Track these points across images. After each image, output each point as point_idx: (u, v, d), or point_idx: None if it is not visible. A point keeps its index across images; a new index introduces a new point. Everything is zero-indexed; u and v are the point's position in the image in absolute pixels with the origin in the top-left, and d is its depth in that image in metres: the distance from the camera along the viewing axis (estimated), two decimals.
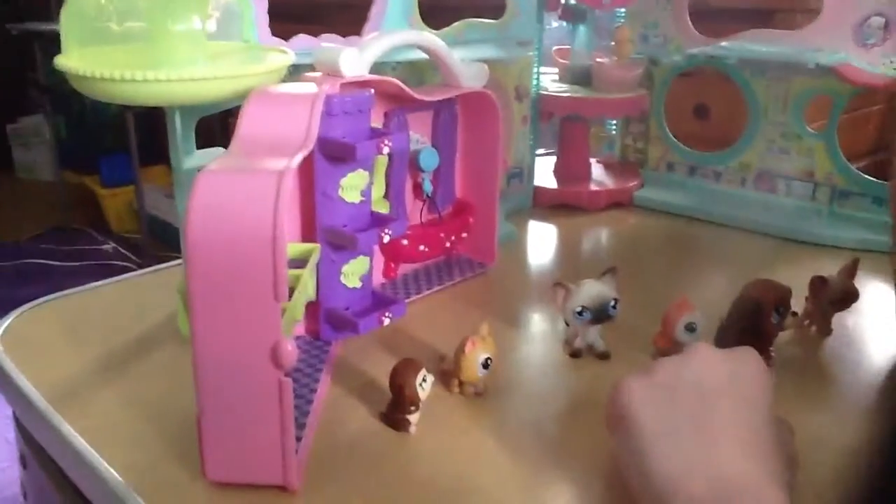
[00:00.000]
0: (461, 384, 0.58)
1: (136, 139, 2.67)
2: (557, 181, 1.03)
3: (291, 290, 0.52)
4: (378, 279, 0.74)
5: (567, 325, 0.64)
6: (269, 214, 0.43)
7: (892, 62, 0.86)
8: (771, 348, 0.62)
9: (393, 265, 0.76)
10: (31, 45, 3.09)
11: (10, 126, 3.26)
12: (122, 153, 2.82)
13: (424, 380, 0.53)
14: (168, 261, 0.82)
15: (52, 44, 2.99)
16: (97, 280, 0.79)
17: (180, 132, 0.63)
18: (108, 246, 2.99)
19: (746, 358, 0.47)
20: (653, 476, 0.42)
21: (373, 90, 0.61)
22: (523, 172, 0.98)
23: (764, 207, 0.96)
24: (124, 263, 2.79)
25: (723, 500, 0.39)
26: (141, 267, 0.82)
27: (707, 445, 0.42)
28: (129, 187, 2.90)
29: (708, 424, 0.43)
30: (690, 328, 0.62)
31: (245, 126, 0.52)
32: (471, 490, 0.49)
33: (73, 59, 0.59)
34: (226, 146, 0.66)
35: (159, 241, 2.74)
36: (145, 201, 2.77)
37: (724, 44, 0.95)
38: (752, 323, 0.61)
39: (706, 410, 0.43)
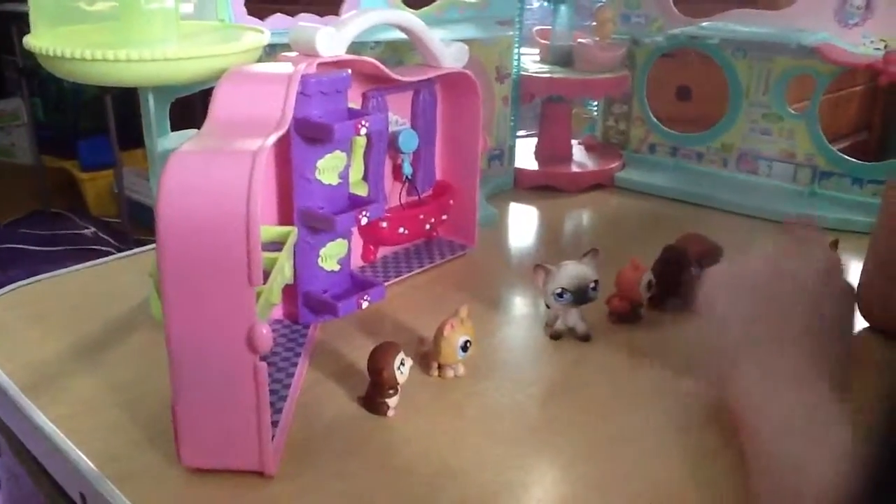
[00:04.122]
0: (440, 367, 0.58)
1: (114, 122, 2.64)
2: (538, 163, 1.02)
3: (268, 274, 0.52)
4: (357, 262, 0.73)
5: (548, 307, 0.64)
6: (242, 195, 0.42)
7: (872, 42, 0.86)
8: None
9: (372, 248, 0.75)
10: (8, 26, 3.04)
11: None
12: (101, 136, 2.79)
13: (403, 363, 0.53)
14: (147, 243, 0.81)
15: (29, 25, 2.95)
16: (77, 263, 0.77)
17: (154, 113, 0.62)
18: (88, 230, 2.96)
19: (827, 260, 0.53)
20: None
21: (350, 70, 0.60)
22: (504, 154, 0.97)
23: (745, 188, 0.96)
24: (104, 248, 2.76)
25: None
26: (121, 251, 0.81)
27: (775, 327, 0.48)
28: (109, 171, 2.86)
29: (773, 302, 0.49)
30: (650, 286, 0.65)
31: (219, 106, 0.51)
32: (451, 473, 0.49)
33: (42, 39, 0.57)
34: (199, 127, 0.65)
35: (140, 225, 2.71)
36: (125, 184, 2.74)
37: (705, 24, 0.95)
38: (674, 272, 0.66)
39: (774, 290, 0.50)
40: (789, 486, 0.41)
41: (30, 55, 0.57)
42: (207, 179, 0.43)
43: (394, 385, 0.53)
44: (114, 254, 0.81)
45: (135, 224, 2.73)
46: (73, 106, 3.06)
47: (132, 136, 2.75)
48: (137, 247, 0.82)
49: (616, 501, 0.47)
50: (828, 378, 0.45)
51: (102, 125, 2.71)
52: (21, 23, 2.96)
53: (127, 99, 2.63)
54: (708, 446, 0.51)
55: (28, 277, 0.74)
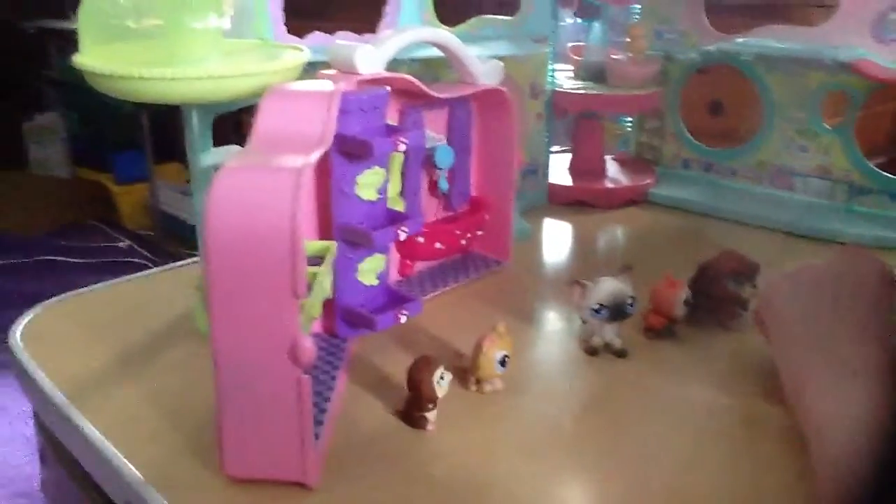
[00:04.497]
0: (478, 381, 0.58)
1: (149, 136, 2.68)
2: (572, 178, 1.02)
3: (309, 288, 0.53)
4: (394, 276, 0.74)
5: (583, 322, 0.64)
6: (287, 211, 0.43)
7: None
8: (737, 312, 0.68)
9: (409, 262, 0.76)
10: (45, 42, 3.11)
11: (26, 124, 3.27)
12: (136, 150, 2.83)
13: (442, 377, 0.54)
14: (182, 257, 0.83)
15: (66, 41, 3.02)
16: (111, 276, 0.79)
17: (197, 130, 0.63)
18: (123, 242, 3.00)
19: (876, 271, 0.54)
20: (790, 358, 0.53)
21: (389, 87, 0.61)
22: (538, 169, 0.98)
23: (780, 204, 0.95)
24: (138, 260, 2.80)
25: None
26: (155, 263, 0.83)
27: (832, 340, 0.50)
28: (143, 184, 2.90)
29: (840, 318, 0.51)
30: (686, 302, 0.65)
31: (262, 123, 0.52)
32: (488, 486, 0.49)
33: (90, 57, 0.59)
34: (237, 143, 0.66)
35: (173, 238, 2.75)
36: (159, 198, 2.78)
37: (739, 40, 0.95)
38: (710, 288, 0.67)
39: (839, 306, 0.51)
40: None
41: (68, 70, 0.59)
42: (254, 195, 0.44)
43: (433, 399, 0.54)
44: (148, 266, 0.82)
45: (168, 237, 2.77)
46: (108, 120, 3.11)
47: (166, 150, 2.80)
48: (171, 259, 0.84)
49: None
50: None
51: (137, 139, 2.76)
52: (57, 38, 3.03)
53: (161, 114, 2.68)
54: (741, 463, 0.52)
55: (63, 288, 0.75)
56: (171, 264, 0.82)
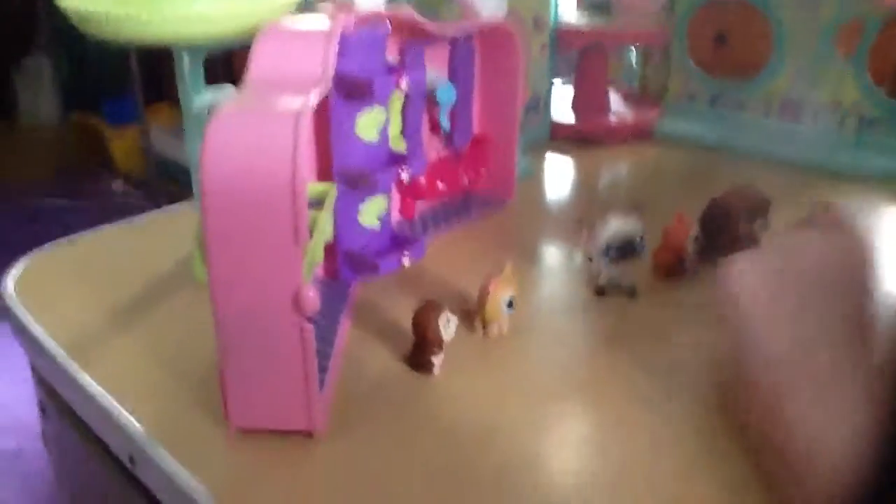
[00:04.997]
0: (485, 325, 0.57)
1: (140, 78, 2.63)
2: (575, 114, 1.00)
3: (309, 232, 0.51)
4: (395, 218, 0.72)
5: (591, 261, 0.63)
6: (288, 155, 0.41)
7: None
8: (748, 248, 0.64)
9: (410, 204, 0.74)
10: None
11: (14, 69, 3.21)
12: (126, 92, 2.78)
13: (448, 321, 0.52)
14: (177, 199, 0.81)
15: None
16: (107, 221, 0.77)
17: (188, 71, 0.60)
18: (117, 186, 2.98)
19: (855, 239, 0.44)
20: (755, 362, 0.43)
21: (389, 23, 0.59)
22: (539, 104, 0.95)
23: (789, 137, 0.93)
24: (133, 202, 2.78)
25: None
26: (150, 206, 0.81)
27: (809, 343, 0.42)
28: (135, 127, 2.86)
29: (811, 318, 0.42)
30: (696, 239, 0.64)
31: (257, 64, 0.50)
32: (496, 430, 0.48)
33: None
34: (228, 81, 0.64)
35: (167, 180, 2.72)
36: (152, 140, 2.74)
37: None
38: (722, 224, 0.64)
39: (808, 287, 0.43)
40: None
41: (54, 13, 0.56)
42: (252, 140, 0.42)
43: (439, 343, 0.53)
44: (142, 209, 0.80)
45: (162, 179, 2.74)
46: (98, 63, 3.06)
47: (157, 92, 2.75)
48: (167, 202, 0.81)
49: (665, 456, 0.46)
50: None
51: (128, 82, 2.70)
52: None
53: (151, 56, 2.62)
54: None
55: (58, 234, 0.73)
56: (164, 208, 0.80)
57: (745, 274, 0.46)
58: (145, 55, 2.60)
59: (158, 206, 0.81)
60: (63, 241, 0.73)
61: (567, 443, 0.48)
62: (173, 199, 0.82)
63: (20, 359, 0.63)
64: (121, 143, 3.05)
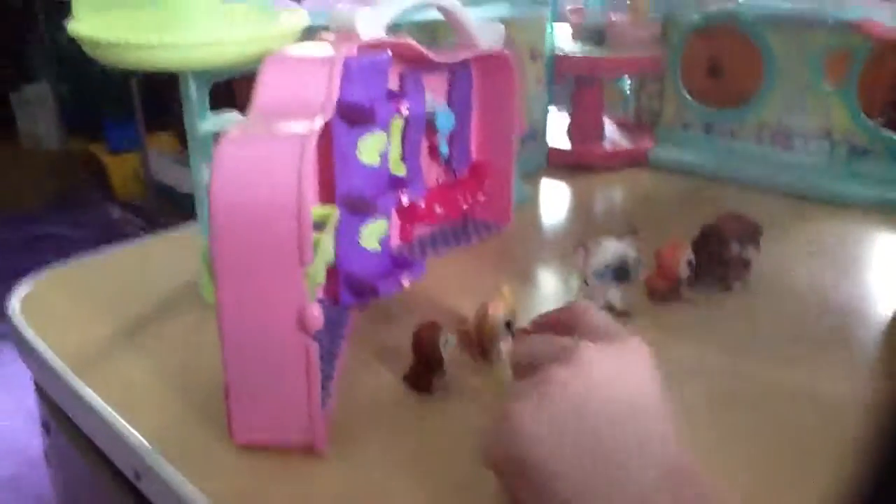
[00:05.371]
0: (483, 346, 0.58)
1: (141, 104, 2.66)
2: (571, 141, 1.02)
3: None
4: (394, 242, 0.74)
5: (586, 284, 0.64)
6: (293, 179, 0.42)
7: None
8: (741, 273, 0.68)
9: (409, 227, 0.75)
10: (32, 11, 3.06)
11: (14, 94, 3.24)
12: (126, 119, 2.81)
13: (447, 341, 0.53)
14: (174, 225, 0.82)
15: (55, 9, 2.98)
16: (105, 246, 0.78)
17: (195, 96, 0.62)
18: (115, 213, 2.99)
19: (635, 352, 0.42)
20: None
21: (390, 51, 0.61)
22: (537, 133, 0.97)
23: (780, 165, 0.95)
24: (131, 230, 2.79)
25: None
26: (148, 233, 0.82)
27: (621, 476, 0.37)
28: (135, 153, 2.89)
29: (628, 451, 0.38)
30: (689, 264, 0.65)
31: (263, 91, 0.51)
32: None
33: (85, 25, 0.58)
34: (230, 107, 0.65)
35: (166, 207, 2.74)
36: (151, 167, 2.76)
37: (740, 0, 0.94)
38: (714, 249, 0.66)
39: (623, 433, 0.38)
40: None
41: (56, 39, 0.58)
42: (259, 164, 0.43)
43: (439, 363, 0.54)
44: (140, 235, 0.81)
45: (161, 206, 2.76)
46: (99, 89, 3.08)
47: (157, 118, 2.78)
48: (164, 228, 0.83)
49: None
50: None
51: (128, 109, 2.73)
52: (46, 6, 2.99)
53: (152, 82, 2.65)
54: (742, 424, 0.52)
55: (58, 259, 0.75)
56: (165, 232, 0.81)
57: (527, 425, 0.38)
58: (147, 81, 2.63)
59: (156, 232, 0.82)
60: (67, 263, 0.74)
61: None
62: (171, 225, 0.83)
63: (13, 388, 0.64)
64: (120, 170, 3.07)
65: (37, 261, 0.79)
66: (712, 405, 0.54)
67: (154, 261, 0.76)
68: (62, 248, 2.64)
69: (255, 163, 0.43)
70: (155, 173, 2.79)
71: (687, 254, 0.65)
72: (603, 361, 0.40)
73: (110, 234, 2.75)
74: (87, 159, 3.14)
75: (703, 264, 0.65)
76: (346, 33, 0.59)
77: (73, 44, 0.58)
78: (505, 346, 0.58)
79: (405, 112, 0.59)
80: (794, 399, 0.54)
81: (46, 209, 3.00)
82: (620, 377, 0.40)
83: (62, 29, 0.59)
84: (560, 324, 0.46)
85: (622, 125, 1.08)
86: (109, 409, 0.53)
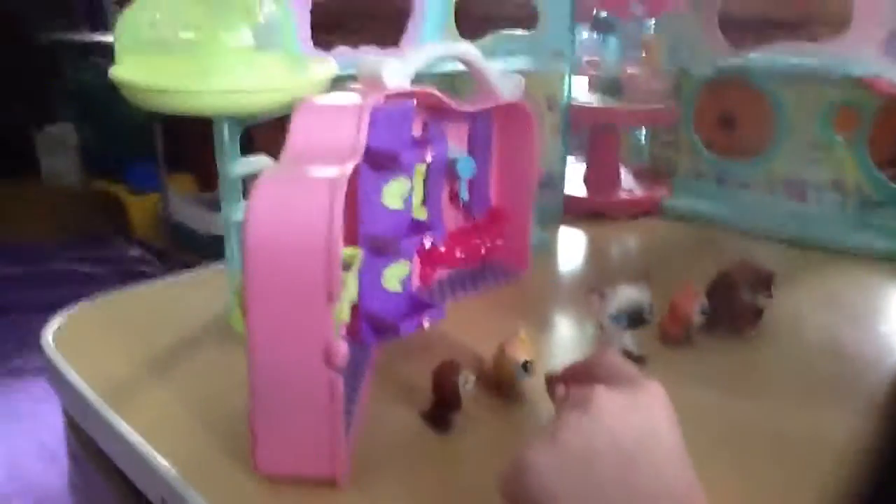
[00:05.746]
0: (501, 387, 0.60)
1: (162, 147, 2.71)
2: (588, 189, 1.04)
3: None
4: (415, 284, 0.76)
5: (601, 329, 0.65)
6: (324, 219, 0.45)
7: None
8: (753, 320, 0.69)
9: (429, 270, 0.77)
10: (57, 53, 3.14)
11: (39, 134, 3.31)
12: (148, 161, 2.86)
13: (467, 381, 0.55)
14: (191, 265, 0.85)
15: (79, 52, 3.05)
16: (124, 285, 0.81)
17: (227, 141, 0.65)
18: (134, 252, 3.03)
19: (651, 395, 0.44)
20: None
21: (415, 101, 0.63)
22: (554, 181, 1.00)
23: (793, 216, 0.97)
24: (149, 270, 2.82)
25: None
26: (164, 270, 0.84)
27: None
28: (155, 194, 2.93)
29: (633, 491, 0.39)
30: (704, 311, 0.66)
31: (296, 136, 0.54)
32: None
33: (125, 69, 0.61)
34: (249, 152, 0.68)
35: (184, 248, 2.77)
36: (171, 208, 2.80)
37: (752, 55, 0.97)
38: (726, 297, 0.67)
39: (628, 474, 0.39)
40: None
41: (79, 80, 0.60)
42: (293, 204, 0.46)
43: (457, 402, 0.55)
44: (158, 275, 0.84)
45: (179, 247, 2.79)
46: (120, 130, 3.14)
47: (178, 160, 2.83)
48: (181, 267, 0.85)
49: None
50: None
51: (149, 150, 2.78)
52: (70, 49, 3.07)
53: (174, 124, 2.71)
54: (754, 471, 0.53)
55: (78, 297, 0.77)
56: (194, 270, 0.84)
57: (545, 467, 0.40)
58: (169, 124, 2.68)
59: (174, 270, 0.84)
60: (99, 298, 0.77)
61: None
62: (188, 266, 0.85)
63: (27, 421, 0.65)
64: (140, 210, 3.11)
65: (57, 296, 0.81)
66: (718, 447, 0.55)
67: (180, 298, 0.78)
68: (83, 285, 2.68)
69: (289, 203, 0.46)
70: (174, 214, 2.83)
71: (701, 301, 0.66)
72: (614, 404, 0.42)
73: (128, 272, 2.78)
74: (107, 199, 3.19)
75: (716, 311, 0.67)
76: (372, 82, 0.62)
77: (97, 85, 0.61)
78: (521, 390, 0.60)
79: (429, 159, 0.61)
80: (799, 443, 0.56)
81: (66, 246, 3.04)
82: (631, 419, 0.41)
83: (86, 70, 0.62)
84: (584, 371, 0.48)
85: (637, 174, 1.10)
86: (139, 437, 0.55)
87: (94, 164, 3.26)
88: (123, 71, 0.60)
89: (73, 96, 3.13)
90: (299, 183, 0.47)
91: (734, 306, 0.68)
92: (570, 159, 1.05)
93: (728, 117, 1.38)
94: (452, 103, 0.68)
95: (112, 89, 0.61)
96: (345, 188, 0.46)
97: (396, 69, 0.62)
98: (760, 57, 0.96)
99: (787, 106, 0.97)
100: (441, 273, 0.79)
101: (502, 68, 0.75)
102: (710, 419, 0.58)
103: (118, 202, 3.16)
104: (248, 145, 0.66)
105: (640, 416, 0.42)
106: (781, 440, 0.56)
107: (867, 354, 0.68)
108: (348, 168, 0.49)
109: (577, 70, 1.01)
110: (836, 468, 0.53)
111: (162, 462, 0.52)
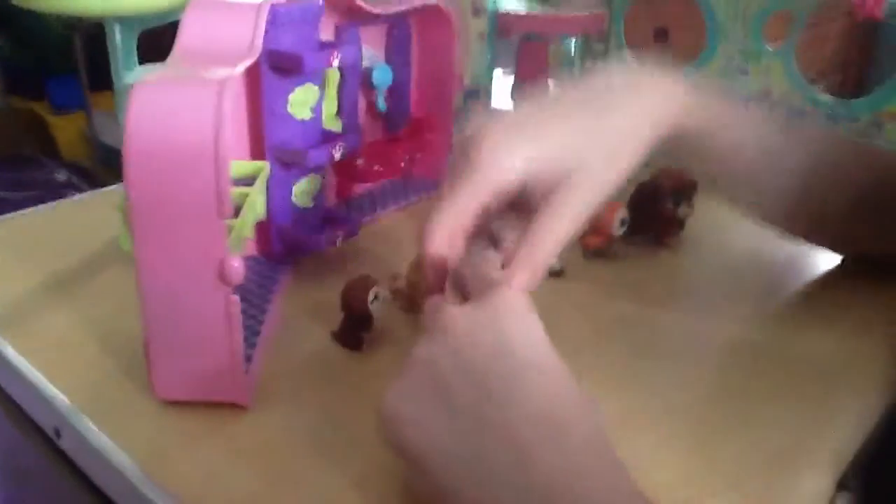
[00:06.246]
0: (415, 301, 0.58)
1: (85, 62, 2.58)
2: (515, 101, 1.01)
3: (240, 208, 0.51)
4: (333, 200, 0.73)
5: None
6: (210, 124, 0.41)
7: None
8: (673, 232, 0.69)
9: (348, 185, 0.74)
10: None
11: None
12: (70, 76, 2.73)
13: (377, 297, 0.53)
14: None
15: None
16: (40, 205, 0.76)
17: (120, 46, 0.61)
18: (60, 175, 2.92)
19: (502, 309, 0.40)
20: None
21: (322, 0, 0.59)
22: (481, 92, 0.96)
23: None
24: (77, 192, 2.73)
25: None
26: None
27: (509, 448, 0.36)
28: (80, 113, 2.81)
29: (485, 417, 0.36)
30: (624, 222, 0.64)
31: (185, 36, 0.50)
32: None
33: None
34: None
35: (112, 169, 2.68)
36: (97, 127, 2.69)
37: None
38: (649, 206, 0.66)
39: (481, 397, 0.37)
40: None
41: None
42: (175, 109, 0.42)
43: (367, 319, 0.53)
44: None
45: (107, 168, 2.70)
46: (41, 45, 2.99)
47: (103, 78, 2.70)
48: None
49: None
50: None
51: (71, 66, 2.65)
52: None
53: (96, 40, 2.57)
54: (681, 373, 0.53)
55: None
56: (101, 189, 0.79)
57: (401, 413, 0.38)
58: (91, 39, 2.55)
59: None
60: None
61: None
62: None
63: None
64: (65, 130, 2.99)
65: None
66: (637, 356, 0.54)
67: (85, 217, 0.74)
68: (4, 210, 2.58)
69: (171, 108, 0.42)
70: (101, 134, 2.72)
71: (621, 211, 0.65)
72: (460, 323, 0.39)
73: (54, 197, 2.69)
74: (30, 119, 3.05)
75: (637, 222, 0.65)
76: None
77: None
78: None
79: (336, 63, 0.57)
80: (719, 348, 0.55)
81: None
82: (480, 338, 0.38)
83: None
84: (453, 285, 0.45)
85: None
86: (30, 366, 0.51)
87: (15, 81, 3.11)
88: None
89: None
90: (184, 84, 0.43)
91: (656, 216, 0.66)
92: (499, 72, 1.02)
93: (662, 30, 1.35)
94: (364, 4, 0.64)
95: None
96: (234, 88, 0.43)
97: None
98: None
99: (717, 13, 0.95)
100: (361, 188, 0.76)
101: None
102: (631, 329, 0.57)
103: (42, 122, 3.03)
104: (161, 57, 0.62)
105: (490, 333, 0.38)
106: (696, 343, 0.56)
107: (787, 260, 0.67)
108: (240, 68, 0.45)
109: None
110: (757, 371, 0.53)
111: (54, 391, 0.49)
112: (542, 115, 0.46)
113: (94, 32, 2.42)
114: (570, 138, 0.45)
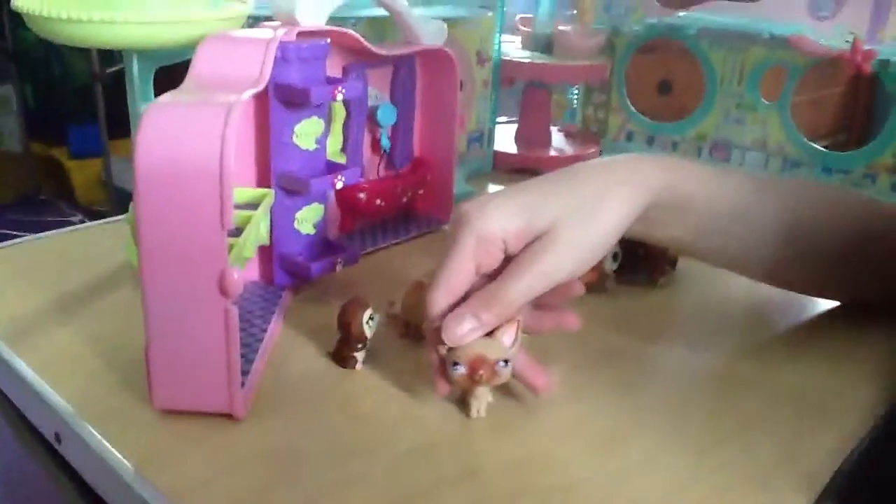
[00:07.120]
0: (410, 327, 0.60)
1: (104, 110, 2.64)
2: (518, 147, 1.04)
3: (242, 230, 0.54)
4: (335, 232, 0.75)
5: None
6: (216, 144, 0.44)
7: (843, 35, 0.88)
8: (666, 268, 0.70)
9: (350, 219, 0.77)
10: None
11: None
12: (90, 124, 2.79)
13: (371, 318, 0.55)
14: None
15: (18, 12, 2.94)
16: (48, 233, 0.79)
17: (137, 77, 0.63)
18: (76, 218, 2.97)
19: None
20: None
21: (329, 39, 0.62)
22: (483, 136, 0.99)
23: None
24: None
25: None
26: None
27: None
28: (97, 159, 2.87)
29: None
30: (616, 257, 0.67)
31: (198, 65, 0.53)
32: (412, 420, 0.51)
33: (29, 0, 0.59)
34: None
35: (127, 212, 2.72)
36: (113, 173, 2.74)
37: (681, 14, 0.97)
38: (639, 245, 0.66)
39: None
40: None
41: (21, 39, 0.59)
42: (183, 128, 0.44)
43: (362, 339, 0.55)
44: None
45: (122, 212, 2.74)
46: (62, 93, 3.07)
47: (121, 124, 2.76)
48: None
49: (579, 447, 0.49)
50: None
51: (91, 113, 2.71)
52: (8, 7, 2.96)
53: (116, 88, 2.64)
54: (651, 406, 0.54)
55: None
56: (114, 218, 0.82)
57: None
58: (110, 87, 2.62)
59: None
60: (4, 244, 0.75)
61: (478, 433, 0.50)
62: None
63: None
64: (82, 174, 3.05)
65: None
66: (624, 388, 0.56)
67: (93, 244, 0.76)
68: None
69: (180, 126, 0.44)
70: (117, 179, 2.78)
71: (614, 248, 0.67)
72: None
73: None
74: (49, 163, 3.12)
75: (628, 258, 0.67)
76: (286, 20, 0.61)
77: (39, 46, 0.59)
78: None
79: (340, 97, 0.60)
80: (704, 382, 0.56)
81: (7, 210, 2.97)
82: None
83: (27, 30, 0.60)
84: None
85: (569, 134, 1.10)
86: (32, 373, 0.53)
87: (36, 127, 3.18)
88: (25, 1, 0.58)
89: (14, 57, 3.05)
90: (194, 105, 0.46)
91: (647, 254, 0.68)
92: (503, 119, 1.05)
93: (665, 83, 1.39)
94: (370, 46, 0.67)
95: (54, 49, 0.59)
96: (240, 111, 0.45)
97: (311, 7, 0.61)
98: (689, 15, 0.97)
99: (716, 66, 0.98)
100: (363, 223, 0.78)
101: (426, 14, 0.74)
102: (619, 359, 0.59)
103: (60, 167, 3.09)
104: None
105: None
106: (682, 377, 0.57)
107: (778, 302, 0.69)
108: (247, 94, 0.48)
109: (509, 28, 1.01)
110: (756, 405, 0.54)
111: (55, 397, 0.51)
112: (521, 187, 0.52)
113: (114, 82, 2.50)
114: (542, 202, 0.50)
